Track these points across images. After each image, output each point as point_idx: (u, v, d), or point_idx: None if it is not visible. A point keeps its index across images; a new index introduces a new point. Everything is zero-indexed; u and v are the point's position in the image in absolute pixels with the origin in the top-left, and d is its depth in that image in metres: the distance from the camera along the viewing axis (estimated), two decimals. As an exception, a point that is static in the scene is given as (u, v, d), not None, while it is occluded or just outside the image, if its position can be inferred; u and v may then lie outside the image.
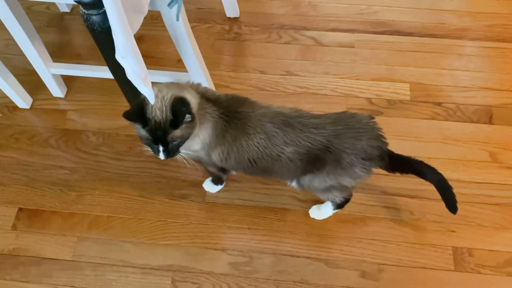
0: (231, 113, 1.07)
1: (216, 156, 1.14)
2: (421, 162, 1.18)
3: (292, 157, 1.07)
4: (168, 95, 1.00)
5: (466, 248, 1.31)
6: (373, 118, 1.10)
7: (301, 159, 1.08)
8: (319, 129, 1.06)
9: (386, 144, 1.10)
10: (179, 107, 0.98)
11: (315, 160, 1.08)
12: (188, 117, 0.99)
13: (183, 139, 1.03)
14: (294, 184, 1.22)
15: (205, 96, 1.08)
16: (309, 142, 1.05)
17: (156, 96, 0.99)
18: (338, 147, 1.05)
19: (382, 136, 1.09)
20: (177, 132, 1.01)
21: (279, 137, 1.06)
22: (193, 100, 1.03)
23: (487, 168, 1.44)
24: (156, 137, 1.01)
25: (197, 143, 1.11)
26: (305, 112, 1.10)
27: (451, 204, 1.18)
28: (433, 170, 1.17)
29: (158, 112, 0.98)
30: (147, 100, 0.98)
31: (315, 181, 1.15)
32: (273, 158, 1.08)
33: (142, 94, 0.98)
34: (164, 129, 0.99)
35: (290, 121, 1.06)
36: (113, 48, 0.92)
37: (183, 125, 1.00)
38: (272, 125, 1.06)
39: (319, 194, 1.24)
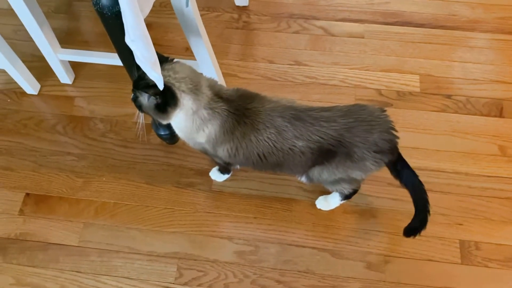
0: (240, 111, 1.07)
1: (223, 152, 1.14)
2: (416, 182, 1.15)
3: (303, 151, 1.06)
4: (171, 77, 1.01)
5: (473, 241, 1.30)
6: (384, 110, 1.08)
7: (312, 152, 1.07)
8: (330, 122, 1.04)
9: (397, 137, 1.09)
10: (154, 89, 0.99)
11: (326, 153, 1.07)
12: (152, 100, 1.01)
13: (145, 109, 1.06)
14: (303, 179, 1.21)
15: (219, 94, 1.07)
16: (320, 136, 1.04)
17: (170, 69, 1.01)
18: (350, 140, 1.04)
19: (394, 129, 1.08)
20: (142, 99, 1.04)
21: (290, 131, 1.05)
22: (188, 101, 1.03)
23: (496, 162, 1.42)
24: (134, 80, 1.05)
25: (201, 136, 1.11)
26: (315, 106, 1.09)
27: (417, 224, 1.15)
28: (421, 194, 1.15)
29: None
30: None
31: (324, 174, 1.14)
32: (284, 152, 1.07)
33: None
34: (139, 84, 1.02)
35: (301, 115, 1.05)
36: (122, 33, 0.91)
37: (149, 102, 1.02)
38: (282, 119, 1.05)
39: (327, 186, 1.23)
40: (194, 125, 1.08)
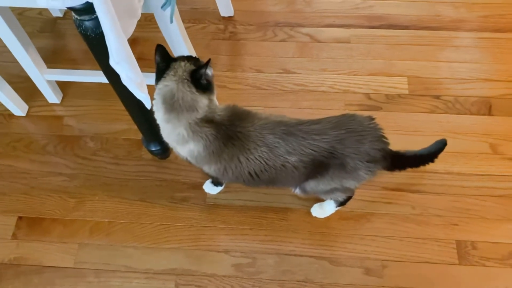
0: (229, 134, 1.05)
1: (210, 170, 1.14)
2: (413, 154, 1.21)
3: (297, 165, 1.06)
4: (177, 72, 1.04)
5: (470, 241, 1.30)
6: (373, 118, 1.09)
7: (306, 166, 1.06)
8: (321, 135, 1.04)
9: (388, 144, 1.09)
10: (163, 61, 1.05)
11: (319, 166, 1.07)
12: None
13: None
14: (297, 191, 1.21)
15: (209, 119, 1.05)
16: (313, 149, 1.04)
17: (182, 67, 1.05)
18: (342, 152, 1.04)
19: (384, 137, 1.08)
20: None
21: (282, 147, 1.04)
22: (158, 101, 1.05)
23: (488, 160, 1.43)
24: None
25: (183, 150, 1.10)
26: (305, 119, 1.09)
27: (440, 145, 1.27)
28: (423, 154, 1.23)
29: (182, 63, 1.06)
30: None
31: (319, 185, 1.14)
32: (277, 169, 1.07)
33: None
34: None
35: (291, 130, 1.05)
36: (107, 53, 0.91)
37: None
38: (273, 136, 1.05)
39: (322, 195, 1.24)
40: (170, 133, 1.08)
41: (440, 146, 1.28)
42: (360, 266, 1.28)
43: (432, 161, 1.27)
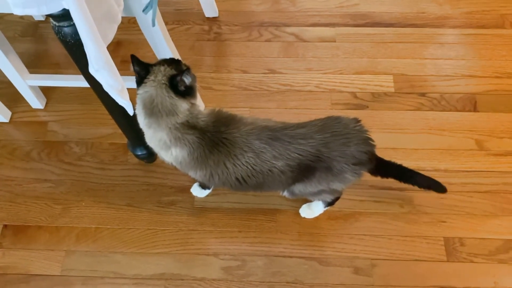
0: (214, 140, 1.05)
1: (196, 175, 1.13)
2: (400, 166, 1.20)
3: (283, 170, 1.06)
4: (156, 76, 1.04)
5: (458, 237, 1.31)
6: (359, 121, 1.09)
7: (292, 170, 1.06)
8: (307, 139, 1.04)
9: (374, 146, 1.09)
10: (140, 69, 1.05)
11: (306, 170, 1.07)
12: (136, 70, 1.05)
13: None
14: (285, 193, 1.21)
15: (192, 124, 1.04)
16: (299, 154, 1.04)
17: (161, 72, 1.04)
18: (328, 155, 1.04)
19: (370, 139, 1.08)
20: None
21: (268, 152, 1.04)
22: (139, 105, 1.05)
23: (474, 156, 1.44)
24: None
25: (166, 155, 1.10)
26: (290, 123, 1.09)
27: (438, 187, 1.22)
28: (411, 171, 1.20)
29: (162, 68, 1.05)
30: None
31: (306, 188, 1.14)
32: (264, 174, 1.07)
33: None
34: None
35: (277, 135, 1.05)
36: (87, 59, 0.89)
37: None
38: (259, 141, 1.04)
39: (309, 197, 1.24)
40: (152, 138, 1.07)
41: (426, 184, 1.24)
42: (350, 265, 1.28)
43: (413, 184, 1.25)
